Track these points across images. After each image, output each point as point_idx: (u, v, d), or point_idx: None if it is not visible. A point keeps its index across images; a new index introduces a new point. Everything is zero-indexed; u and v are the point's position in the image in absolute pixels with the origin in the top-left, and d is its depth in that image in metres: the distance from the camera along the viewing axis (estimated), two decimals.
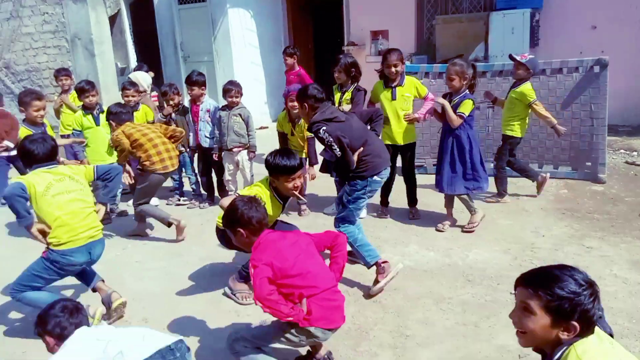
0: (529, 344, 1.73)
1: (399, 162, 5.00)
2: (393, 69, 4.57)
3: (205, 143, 5.50)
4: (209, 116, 5.44)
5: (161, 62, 9.77)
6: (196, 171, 5.75)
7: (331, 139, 3.39)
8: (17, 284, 3.14)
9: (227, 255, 4.26)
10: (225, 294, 3.58)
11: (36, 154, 3.14)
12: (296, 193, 3.21)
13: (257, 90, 8.98)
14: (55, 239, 3.06)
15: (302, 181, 3.25)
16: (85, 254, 3.17)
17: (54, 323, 2.29)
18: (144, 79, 6.29)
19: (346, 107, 4.72)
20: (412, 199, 4.93)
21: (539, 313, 1.62)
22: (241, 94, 5.33)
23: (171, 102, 5.59)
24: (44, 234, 3.10)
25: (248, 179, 5.47)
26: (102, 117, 5.29)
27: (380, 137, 4.14)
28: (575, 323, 1.58)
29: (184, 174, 5.81)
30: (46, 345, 2.32)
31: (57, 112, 6.41)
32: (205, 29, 8.94)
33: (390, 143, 4.81)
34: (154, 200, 5.78)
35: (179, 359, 2.21)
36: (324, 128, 3.40)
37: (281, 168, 3.09)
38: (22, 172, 4.45)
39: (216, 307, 3.46)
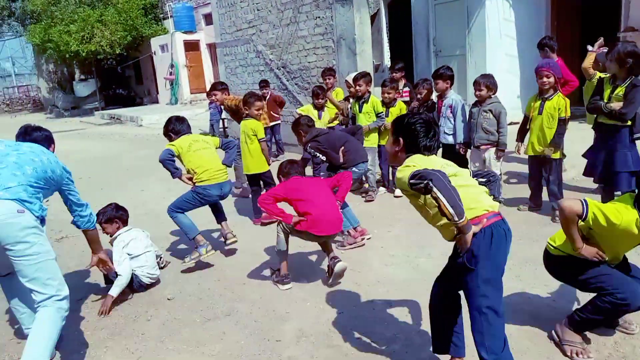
0: (390, 162, 2.93)
1: None
2: None
3: (444, 139, 5.44)
4: (451, 112, 5.37)
5: (413, 57, 10.03)
6: None
7: (312, 151, 4.89)
8: (172, 206, 4.50)
9: None
10: (551, 337, 2.99)
11: (180, 128, 4.62)
12: None
13: (511, 83, 8.48)
14: (199, 178, 4.43)
15: None
16: (218, 189, 4.52)
17: (109, 215, 4.13)
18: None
19: (615, 104, 4.07)
20: None
21: (390, 136, 2.59)
22: (490, 88, 5.07)
23: (418, 96, 5.69)
24: (190, 179, 4.45)
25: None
26: (365, 106, 5.83)
27: (361, 141, 5.40)
28: (400, 138, 2.48)
29: None
30: (104, 231, 4.01)
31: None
32: (460, 22, 8.83)
33: None
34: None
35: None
36: (310, 145, 4.86)
37: None
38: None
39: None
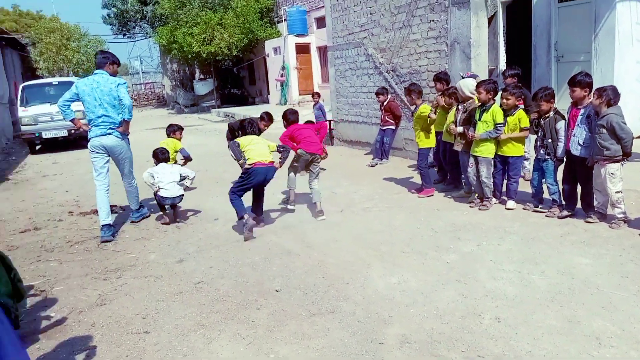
0: None
1: None
2: None
3: (576, 151, 5.08)
4: (588, 122, 4.99)
5: (531, 62, 9.52)
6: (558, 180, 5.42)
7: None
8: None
9: (586, 277, 3.90)
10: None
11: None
12: None
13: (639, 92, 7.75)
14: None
15: None
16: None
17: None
18: (466, 85, 6.05)
19: None
20: None
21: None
22: (601, 97, 4.73)
23: (543, 107, 5.36)
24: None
25: (612, 193, 4.82)
26: (485, 115, 5.75)
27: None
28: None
29: (543, 181, 5.57)
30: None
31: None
32: (586, 26, 8.22)
33: None
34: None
35: None
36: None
37: None
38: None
39: (574, 328, 3.22)
